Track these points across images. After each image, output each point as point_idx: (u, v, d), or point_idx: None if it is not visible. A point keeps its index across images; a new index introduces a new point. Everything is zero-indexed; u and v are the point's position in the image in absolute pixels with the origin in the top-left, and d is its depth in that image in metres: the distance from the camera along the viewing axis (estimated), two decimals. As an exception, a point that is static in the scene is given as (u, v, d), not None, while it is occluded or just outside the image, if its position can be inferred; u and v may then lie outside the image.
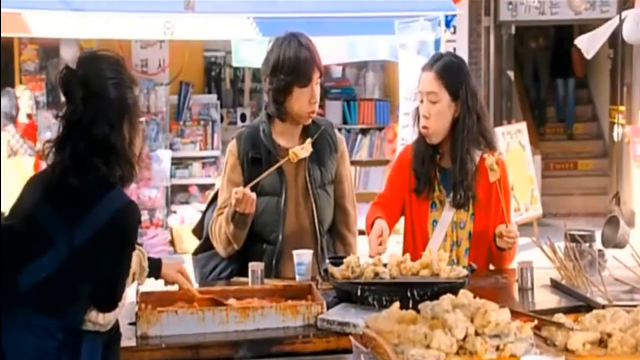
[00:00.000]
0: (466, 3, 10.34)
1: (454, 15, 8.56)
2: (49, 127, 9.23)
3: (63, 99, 2.56)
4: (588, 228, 3.40)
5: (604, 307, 2.84)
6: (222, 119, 10.26)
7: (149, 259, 2.91)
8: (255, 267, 3.34)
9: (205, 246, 3.68)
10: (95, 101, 2.50)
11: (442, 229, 3.53)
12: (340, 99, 10.69)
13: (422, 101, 3.54)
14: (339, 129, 10.35)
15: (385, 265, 3.14)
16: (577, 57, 12.19)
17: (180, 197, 10.04)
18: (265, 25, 8.10)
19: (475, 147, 3.53)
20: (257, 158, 3.55)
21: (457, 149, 3.51)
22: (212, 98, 10.31)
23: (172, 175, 9.94)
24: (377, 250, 3.33)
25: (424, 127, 3.51)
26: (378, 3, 8.69)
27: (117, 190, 2.55)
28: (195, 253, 3.75)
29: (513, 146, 10.25)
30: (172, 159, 9.87)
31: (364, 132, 10.66)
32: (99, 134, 2.50)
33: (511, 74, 11.54)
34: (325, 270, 3.17)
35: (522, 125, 10.68)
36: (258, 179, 3.45)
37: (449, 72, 3.50)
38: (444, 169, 3.57)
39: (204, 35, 8.66)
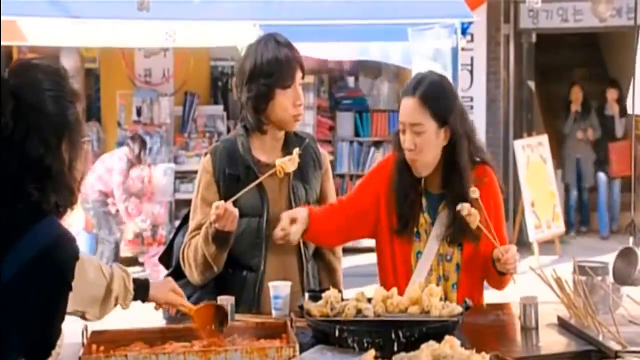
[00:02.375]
0: (484, 10, 10.07)
1: (470, 23, 8.40)
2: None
3: None
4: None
5: (617, 353, 2.59)
6: (228, 131, 10.01)
7: (135, 280, 2.71)
8: (225, 301, 3.06)
9: (175, 275, 3.39)
10: (29, 116, 2.19)
11: (427, 262, 3.20)
12: (352, 110, 10.49)
13: (403, 131, 3.13)
14: (351, 142, 10.40)
15: (370, 300, 2.88)
16: (614, 156, 11.10)
17: (184, 212, 9.74)
18: (272, 33, 7.83)
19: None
20: (235, 175, 3.28)
21: (450, 182, 3.15)
22: (219, 109, 10.15)
23: (176, 190, 9.76)
24: (279, 235, 3.11)
25: (412, 160, 3.15)
26: (390, 9, 8.51)
27: (49, 221, 2.24)
28: None
29: (534, 160, 10.08)
30: (176, 172, 9.68)
31: (377, 145, 10.41)
32: (33, 154, 2.18)
33: (532, 84, 11.26)
34: (301, 307, 2.91)
35: (544, 138, 10.47)
36: (239, 194, 3.17)
37: (434, 96, 3.11)
38: (430, 194, 3.22)
39: (208, 43, 8.50)
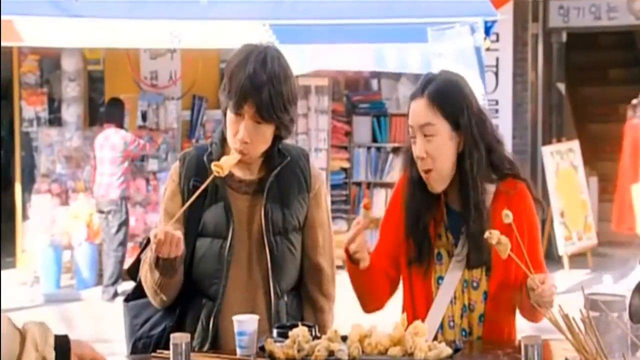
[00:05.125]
0: (510, 8, 9.76)
1: (494, 21, 8.03)
2: (51, 145, 8.84)
3: None
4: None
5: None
6: (239, 138, 9.71)
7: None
8: (179, 339, 2.63)
9: (139, 292, 3.08)
10: None
11: (450, 289, 2.87)
12: (370, 114, 10.16)
13: (414, 139, 2.84)
14: (368, 148, 10.02)
15: (345, 339, 2.61)
16: None
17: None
18: (283, 33, 7.65)
19: (487, 183, 2.85)
20: (200, 187, 2.89)
21: (467, 194, 2.81)
22: (229, 114, 9.80)
23: (183, 199, 9.41)
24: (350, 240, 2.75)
25: (426, 171, 2.81)
26: (407, 8, 8.15)
27: None
28: (127, 299, 3.15)
29: (563, 167, 9.83)
30: (183, 181, 9.34)
31: (396, 151, 9.98)
32: None
33: (562, 86, 11.03)
34: (262, 348, 2.60)
35: (575, 144, 10.15)
36: (180, 212, 2.83)
37: (446, 94, 2.79)
38: (452, 211, 2.88)
39: (214, 44, 8.18)
